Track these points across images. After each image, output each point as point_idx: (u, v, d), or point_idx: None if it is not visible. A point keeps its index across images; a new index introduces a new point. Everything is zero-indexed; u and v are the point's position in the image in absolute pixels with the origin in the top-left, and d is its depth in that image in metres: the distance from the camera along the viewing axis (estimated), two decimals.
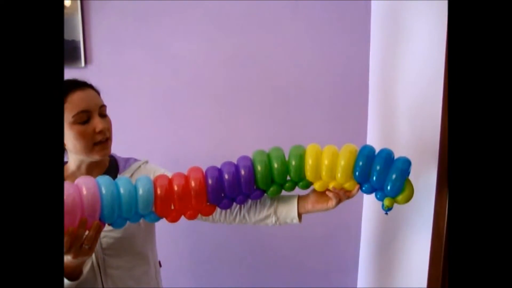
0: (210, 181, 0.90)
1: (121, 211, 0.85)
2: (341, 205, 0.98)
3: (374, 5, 1.53)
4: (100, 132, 0.93)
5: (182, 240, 1.68)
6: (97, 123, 0.93)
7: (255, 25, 1.55)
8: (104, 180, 0.84)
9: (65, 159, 1.03)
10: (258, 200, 1.03)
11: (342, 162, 0.91)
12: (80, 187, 0.81)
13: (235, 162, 0.93)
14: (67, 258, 0.83)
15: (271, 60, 1.58)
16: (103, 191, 0.83)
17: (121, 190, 0.84)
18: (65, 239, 0.79)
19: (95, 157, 0.95)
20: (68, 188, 0.80)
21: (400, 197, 0.93)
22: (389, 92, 1.40)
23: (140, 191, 0.86)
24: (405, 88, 1.27)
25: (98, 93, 0.98)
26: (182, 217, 0.93)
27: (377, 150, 0.93)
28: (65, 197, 0.78)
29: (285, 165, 0.93)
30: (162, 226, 1.14)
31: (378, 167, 0.91)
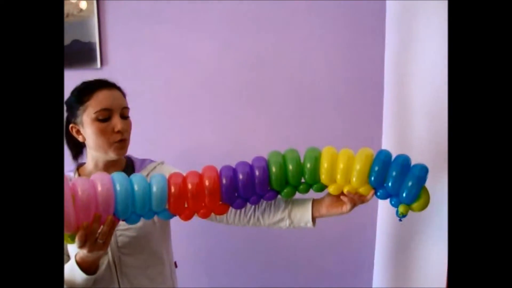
0: (224, 181, 0.89)
1: (135, 208, 0.86)
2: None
3: (389, 5, 1.51)
4: (118, 132, 0.96)
5: (198, 241, 1.67)
6: (117, 123, 0.96)
7: (270, 26, 1.55)
8: (119, 177, 0.85)
9: (84, 160, 1.06)
10: (272, 203, 1.02)
11: (358, 166, 0.90)
12: (95, 183, 0.82)
13: (250, 163, 0.93)
14: (83, 252, 0.85)
15: (286, 61, 1.57)
16: (118, 187, 0.83)
17: (135, 187, 0.85)
18: (80, 233, 0.80)
19: (111, 155, 0.98)
20: (83, 183, 0.81)
21: (415, 205, 0.91)
22: (404, 93, 1.39)
23: (154, 189, 0.86)
24: (421, 88, 1.25)
25: (124, 95, 1.02)
26: (196, 217, 0.93)
27: (392, 152, 0.92)
28: (80, 192, 0.80)
29: (300, 167, 0.92)
30: (178, 227, 1.15)
31: (394, 173, 0.89)
